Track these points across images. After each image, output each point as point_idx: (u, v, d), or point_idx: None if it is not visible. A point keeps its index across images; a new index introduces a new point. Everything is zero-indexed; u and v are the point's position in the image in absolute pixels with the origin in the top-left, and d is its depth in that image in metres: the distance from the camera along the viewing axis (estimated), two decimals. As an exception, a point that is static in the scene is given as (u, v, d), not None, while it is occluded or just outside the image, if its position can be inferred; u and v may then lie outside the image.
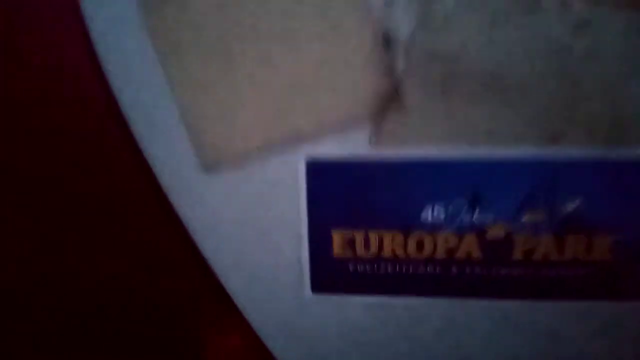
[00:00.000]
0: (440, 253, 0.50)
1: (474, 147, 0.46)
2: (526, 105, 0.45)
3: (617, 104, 0.44)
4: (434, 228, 0.49)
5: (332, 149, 0.48)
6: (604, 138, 0.45)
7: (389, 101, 0.46)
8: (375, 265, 0.52)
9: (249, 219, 0.52)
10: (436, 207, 0.48)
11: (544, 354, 0.53)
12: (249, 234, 0.53)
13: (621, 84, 0.43)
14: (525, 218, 0.48)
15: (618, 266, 0.49)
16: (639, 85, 0.43)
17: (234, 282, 0.56)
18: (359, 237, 0.51)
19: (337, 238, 0.51)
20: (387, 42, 0.45)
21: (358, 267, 0.52)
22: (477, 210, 0.48)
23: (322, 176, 0.49)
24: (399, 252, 0.51)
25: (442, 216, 0.49)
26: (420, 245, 0.50)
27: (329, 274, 0.53)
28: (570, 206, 0.47)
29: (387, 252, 0.51)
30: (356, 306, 0.54)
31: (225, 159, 0.50)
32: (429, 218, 0.49)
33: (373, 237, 0.50)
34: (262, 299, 0.56)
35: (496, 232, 0.48)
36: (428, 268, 0.51)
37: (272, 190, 0.50)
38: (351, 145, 0.48)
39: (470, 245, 0.49)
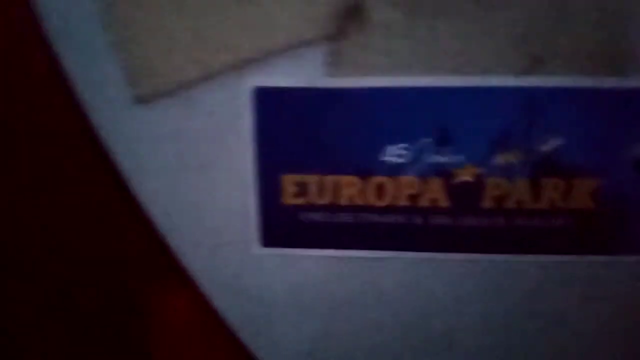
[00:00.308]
0: (403, 200, 0.43)
1: (442, 74, 0.39)
2: (504, 23, 0.38)
3: (608, 27, 0.37)
4: (395, 171, 0.42)
5: (283, 78, 0.41)
6: (590, 67, 0.38)
7: (347, 19, 0.38)
8: (331, 214, 0.44)
9: (190, 161, 0.45)
10: (398, 147, 0.41)
11: (519, 313, 0.46)
12: (190, 179, 0.46)
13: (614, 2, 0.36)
14: (498, 159, 0.41)
15: (601, 216, 0.42)
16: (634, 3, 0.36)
17: (175, 233, 0.48)
18: (312, 182, 0.43)
19: (288, 183, 0.44)
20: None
21: (312, 217, 0.44)
22: (443, 150, 0.41)
23: (271, 109, 0.41)
24: (357, 199, 0.43)
25: (405, 157, 0.41)
26: (380, 191, 0.43)
27: (279, 225, 0.45)
28: (549, 145, 0.40)
29: (344, 199, 0.44)
30: (310, 260, 0.47)
31: (161, 90, 0.42)
32: (390, 159, 0.41)
33: (328, 182, 0.43)
34: (206, 251, 0.49)
35: (465, 175, 0.41)
36: (390, 217, 0.44)
37: (214, 126, 0.43)
38: (304, 72, 0.40)
39: (435, 191, 0.42)
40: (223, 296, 0.51)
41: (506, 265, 0.46)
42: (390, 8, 0.39)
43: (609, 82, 0.39)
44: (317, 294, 0.50)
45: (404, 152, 0.42)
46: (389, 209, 0.44)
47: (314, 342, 0.52)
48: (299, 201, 0.45)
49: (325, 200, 0.45)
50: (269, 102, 0.42)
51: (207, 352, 0.55)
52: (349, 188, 0.44)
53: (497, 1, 0.38)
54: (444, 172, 0.43)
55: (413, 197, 0.44)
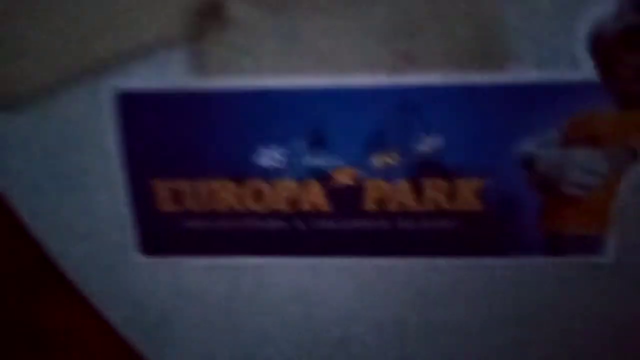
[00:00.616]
0: (283, 205, 0.39)
1: (313, 74, 0.35)
2: (372, 20, 0.34)
3: (480, 19, 0.33)
4: (271, 174, 0.38)
5: (146, 80, 0.36)
6: (464, 62, 0.34)
7: (209, 17, 0.34)
8: (209, 221, 0.40)
9: (57, 167, 0.40)
10: (272, 150, 0.37)
11: (411, 318, 0.44)
12: (61, 186, 0.41)
13: None
14: (376, 161, 0.37)
15: (488, 217, 0.38)
16: None
17: (59, 245, 0.44)
18: (185, 188, 0.40)
19: (162, 189, 0.40)
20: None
21: (189, 224, 0.41)
22: (319, 153, 0.37)
23: (135, 113, 0.38)
24: (235, 204, 0.40)
25: (280, 160, 0.37)
26: (258, 196, 0.39)
27: (157, 233, 0.42)
28: (427, 145, 0.36)
29: (220, 204, 0.40)
30: (193, 269, 0.43)
31: (19, 95, 0.38)
32: (265, 162, 0.38)
33: (202, 187, 0.39)
34: (89, 262, 0.45)
35: (343, 177, 0.38)
36: (270, 223, 0.40)
37: (78, 132, 0.39)
38: (168, 74, 0.36)
39: (315, 195, 0.39)
40: (113, 306, 0.48)
41: (395, 269, 0.42)
42: (250, 6, 0.34)
43: (485, 77, 0.35)
44: (204, 301, 0.46)
45: (278, 155, 0.39)
46: (269, 214, 0.41)
47: (208, 349, 0.48)
48: (175, 208, 0.41)
49: (201, 206, 0.41)
50: (132, 106, 0.38)
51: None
52: (225, 193, 0.41)
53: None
54: (322, 175, 0.39)
55: (293, 202, 0.40)
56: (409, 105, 0.37)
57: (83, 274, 0.47)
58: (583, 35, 0.35)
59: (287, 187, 0.40)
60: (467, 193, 0.39)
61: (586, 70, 0.35)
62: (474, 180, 0.39)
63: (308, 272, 0.43)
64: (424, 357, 0.46)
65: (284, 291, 0.45)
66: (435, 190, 0.40)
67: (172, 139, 0.40)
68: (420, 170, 0.39)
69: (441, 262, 0.42)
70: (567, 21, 0.34)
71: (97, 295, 0.48)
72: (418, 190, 0.40)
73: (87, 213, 0.43)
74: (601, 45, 0.34)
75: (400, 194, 0.40)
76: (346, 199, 0.40)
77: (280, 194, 0.41)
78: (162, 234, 0.43)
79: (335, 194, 0.40)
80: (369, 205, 0.40)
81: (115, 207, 0.43)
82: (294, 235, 0.42)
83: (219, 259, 0.44)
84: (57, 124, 0.41)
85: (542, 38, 0.35)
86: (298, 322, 0.46)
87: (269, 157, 0.39)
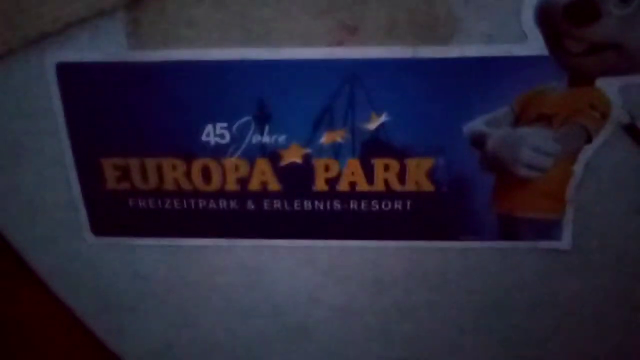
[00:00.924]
0: (232, 184, 0.38)
1: (255, 46, 0.34)
2: None
3: None
4: (218, 152, 0.37)
5: (86, 52, 0.35)
6: (409, 35, 0.33)
7: None
8: (159, 201, 0.39)
9: (7, 148, 0.39)
10: (218, 126, 0.36)
11: (366, 303, 0.42)
12: (10, 164, 0.39)
13: None
14: (324, 138, 0.36)
15: (440, 198, 0.37)
16: None
17: (12, 227, 0.43)
18: (133, 165, 0.38)
19: (108, 167, 0.38)
20: None
21: (139, 203, 0.39)
22: (266, 129, 0.35)
23: (77, 86, 0.36)
24: (183, 183, 0.38)
25: (227, 137, 0.36)
26: (206, 174, 0.38)
27: (107, 213, 0.40)
28: (374, 123, 0.35)
29: (169, 183, 0.39)
30: (144, 249, 0.42)
31: None
32: (211, 139, 0.36)
33: (150, 165, 0.38)
34: (45, 244, 0.43)
35: (291, 155, 0.36)
36: (220, 203, 0.39)
37: (25, 107, 0.37)
38: (109, 45, 0.35)
39: (264, 174, 0.37)
40: (72, 291, 0.47)
41: (348, 251, 0.41)
42: None
43: (431, 52, 0.34)
44: (160, 285, 0.44)
45: (225, 131, 0.37)
46: (218, 193, 0.39)
47: (166, 335, 0.47)
48: (124, 186, 0.40)
49: (150, 185, 0.40)
50: (73, 78, 0.37)
51: (65, 346, 0.50)
52: (173, 171, 0.39)
53: None
54: (271, 154, 0.37)
55: (242, 181, 0.39)
56: (354, 80, 0.35)
57: (40, 258, 0.45)
58: (531, 7, 0.33)
59: (236, 165, 0.39)
60: (418, 173, 0.38)
61: (535, 44, 0.33)
62: (424, 159, 0.37)
63: (265, 255, 0.42)
64: (384, 342, 0.44)
65: (242, 275, 0.43)
66: (385, 170, 0.38)
67: (116, 114, 0.38)
68: (369, 149, 0.37)
69: (395, 244, 0.40)
70: (514, -7, 0.33)
71: (55, 279, 0.46)
72: (368, 170, 0.38)
73: (40, 192, 0.42)
74: (549, 19, 0.33)
75: (351, 173, 0.38)
76: (296, 179, 0.39)
77: (229, 174, 0.39)
78: (111, 213, 0.41)
79: (285, 173, 0.39)
80: (320, 185, 0.39)
81: (66, 186, 0.41)
82: (244, 216, 0.40)
83: (172, 240, 0.42)
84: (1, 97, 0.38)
85: (489, 11, 0.33)
86: (256, 306, 0.44)
87: (216, 134, 0.38)
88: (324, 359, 0.46)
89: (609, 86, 0.35)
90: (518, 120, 0.35)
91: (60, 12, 0.36)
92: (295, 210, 0.40)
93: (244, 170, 0.39)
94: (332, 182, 0.39)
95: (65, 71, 0.37)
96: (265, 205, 0.40)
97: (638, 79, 0.34)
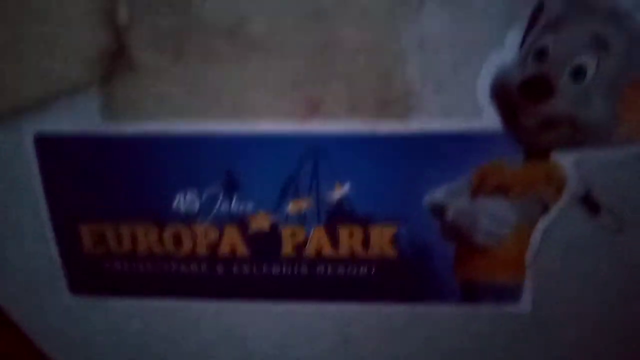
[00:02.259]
0: (202, 249, 0.36)
1: (223, 120, 0.32)
2: (278, 69, 0.31)
3: (381, 69, 0.30)
4: (189, 219, 0.34)
5: (63, 123, 0.33)
6: (368, 111, 0.31)
7: (115, 61, 0.31)
8: (133, 264, 0.37)
9: None
10: (189, 194, 0.34)
11: None
12: None
13: (386, 41, 0.29)
14: (290, 207, 0.33)
15: (402, 264, 0.34)
16: (408, 41, 0.29)
17: None
18: (109, 231, 0.36)
19: (86, 232, 0.36)
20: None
21: (114, 266, 0.37)
22: (234, 198, 0.33)
23: (54, 156, 0.34)
24: (156, 248, 0.36)
25: (197, 204, 0.34)
26: (177, 240, 0.36)
27: (84, 274, 0.38)
28: (338, 193, 0.32)
29: (142, 248, 0.37)
30: (121, 310, 0.39)
31: None
32: (182, 207, 0.34)
33: (125, 231, 0.36)
34: (25, 300, 0.41)
35: (259, 223, 0.34)
36: (191, 266, 0.36)
37: (5, 174, 0.35)
38: (84, 118, 0.33)
39: (233, 239, 0.35)
40: (46, 339, 0.44)
41: (315, 313, 0.38)
42: (155, 53, 0.31)
43: (390, 126, 0.32)
44: (138, 343, 0.42)
45: (195, 200, 0.35)
46: (189, 258, 0.37)
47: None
48: (100, 250, 0.38)
49: (125, 249, 0.37)
50: (51, 148, 0.35)
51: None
52: (146, 237, 0.37)
53: (270, 47, 0.30)
54: (239, 221, 0.35)
55: (211, 246, 0.36)
56: (317, 153, 0.33)
57: (18, 308, 0.42)
58: (486, 84, 0.31)
59: (206, 231, 0.36)
60: (381, 240, 0.36)
61: (490, 119, 0.31)
62: (387, 227, 0.35)
63: (237, 314, 0.39)
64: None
65: (214, 331, 0.40)
66: (349, 237, 0.35)
67: (91, 182, 0.37)
68: (333, 216, 0.35)
69: (361, 307, 0.38)
70: (469, 70, 0.31)
71: (32, 329, 0.43)
72: (333, 237, 0.35)
73: (20, 253, 0.39)
74: (503, 95, 0.31)
75: (316, 240, 0.36)
76: (263, 244, 0.37)
77: (199, 239, 0.37)
78: (88, 275, 0.39)
79: (253, 239, 0.36)
80: (287, 250, 0.36)
81: (45, 248, 0.38)
82: (214, 279, 0.38)
83: (146, 300, 0.39)
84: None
85: (446, 88, 0.31)
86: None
87: (187, 202, 0.35)
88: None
89: (564, 159, 0.32)
90: (476, 191, 0.33)
91: (35, 88, 0.34)
92: (263, 274, 0.38)
93: (213, 236, 0.37)
94: (298, 247, 0.36)
95: (43, 142, 0.36)
96: (235, 269, 0.38)
97: (592, 153, 0.32)
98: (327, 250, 0.37)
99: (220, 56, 0.33)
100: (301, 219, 0.37)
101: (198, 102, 0.34)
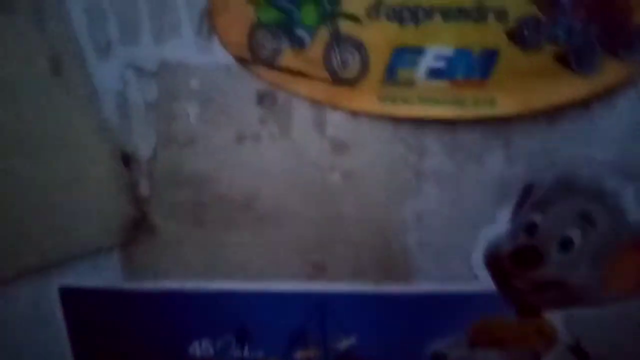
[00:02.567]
0: None
1: (235, 279, 0.34)
2: (288, 237, 0.33)
3: (383, 239, 0.32)
4: None
5: (87, 279, 0.35)
6: (370, 272, 0.33)
7: (137, 229, 0.33)
8: None
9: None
10: (203, 342, 0.36)
11: None
12: None
13: (387, 215, 0.32)
14: (298, 355, 0.35)
15: None
16: (407, 215, 0.32)
17: None
18: None
19: None
20: (126, 161, 0.32)
21: None
22: (246, 346, 0.35)
23: (78, 308, 0.36)
24: None
25: (211, 351, 0.36)
26: None
27: None
28: (344, 343, 0.34)
29: None
30: None
31: None
32: (197, 353, 0.36)
33: None
34: None
35: None
36: None
37: (30, 324, 0.37)
38: (106, 275, 0.35)
39: None
40: None
41: None
42: (176, 222, 0.33)
43: (392, 288, 0.34)
44: None
45: (209, 347, 0.37)
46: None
47: None
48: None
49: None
50: (75, 301, 0.37)
51: None
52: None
53: (281, 219, 0.33)
54: (251, 366, 0.37)
55: (225, 387, 0.38)
56: (324, 308, 0.35)
57: None
58: (480, 253, 0.33)
59: (219, 375, 0.38)
60: (384, 386, 0.37)
61: (484, 282, 0.34)
62: (389, 374, 0.37)
63: None
64: None
65: None
66: (354, 383, 0.37)
67: (113, 332, 0.39)
68: (339, 364, 0.37)
69: None
70: (464, 241, 0.33)
71: None
72: (339, 382, 0.37)
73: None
74: (496, 262, 0.33)
75: (323, 384, 0.38)
76: (273, 388, 0.38)
77: (213, 382, 0.38)
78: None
79: (265, 382, 0.38)
80: (295, 393, 0.38)
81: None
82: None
83: None
84: (11, 311, 0.38)
85: (443, 256, 0.33)
86: None
87: (201, 348, 0.37)
88: None
89: (554, 315, 0.34)
90: (473, 344, 0.35)
91: (61, 249, 0.36)
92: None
93: (227, 378, 0.38)
94: (306, 390, 0.38)
95: (68, 294, 0.38)
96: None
97: (580, 310, 0.34)
98: (334, 393, 0.39)
99: (237, 225, 0.35)
100: (309, 365, 0.38)
101: (214, 263, 0.37)
